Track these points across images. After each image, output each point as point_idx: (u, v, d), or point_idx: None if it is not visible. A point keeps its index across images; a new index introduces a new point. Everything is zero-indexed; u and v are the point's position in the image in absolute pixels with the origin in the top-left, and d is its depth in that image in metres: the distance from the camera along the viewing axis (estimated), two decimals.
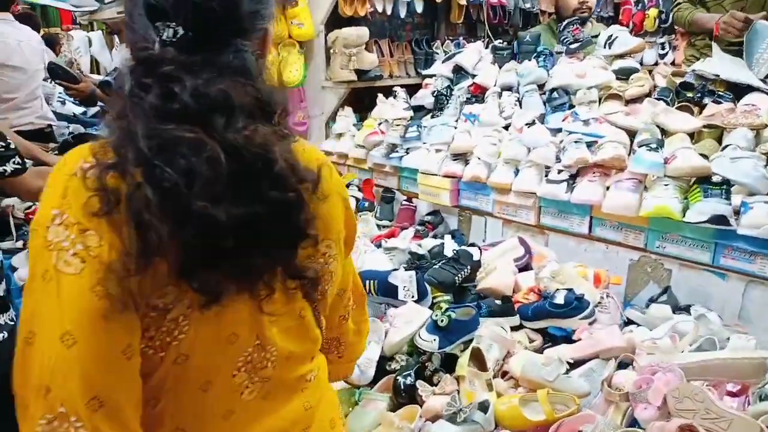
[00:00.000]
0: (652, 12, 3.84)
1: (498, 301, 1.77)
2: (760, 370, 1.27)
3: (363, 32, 3.09)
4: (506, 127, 2.47)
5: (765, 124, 1.96)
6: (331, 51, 3.14)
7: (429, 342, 1.58)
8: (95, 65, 5.42)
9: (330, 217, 0.81)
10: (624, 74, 2.50)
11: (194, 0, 0.68)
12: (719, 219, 1.62)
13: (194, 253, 0.63)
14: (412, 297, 1.77)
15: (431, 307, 1.80)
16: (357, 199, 2.66)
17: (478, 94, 2.78)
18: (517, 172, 2.25)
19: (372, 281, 1.80)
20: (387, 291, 1.79)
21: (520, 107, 2.54)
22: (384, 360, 1.60)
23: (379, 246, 2.20)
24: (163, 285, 0.65)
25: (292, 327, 0.78)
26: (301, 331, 0.80)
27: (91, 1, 2.98)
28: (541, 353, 1.59)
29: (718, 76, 2.29)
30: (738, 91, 2.19)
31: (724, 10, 2.67)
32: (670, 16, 3.93)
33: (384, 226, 2.56)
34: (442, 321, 1.58)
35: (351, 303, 0.99)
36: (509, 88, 2.70)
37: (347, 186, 2.70)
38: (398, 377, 1.49)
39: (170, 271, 0.64)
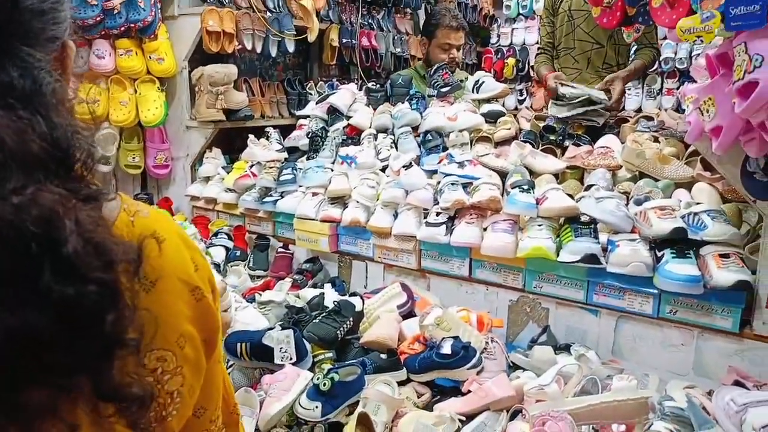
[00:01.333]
0: (510, 61, 4.13)
1: (383, 355, 1.65)
2: (644, 410, 1.28)
3: (231, 70, 2.92)
4: (383, 169, 2.43)
5: (619, 166, 2.11)
6: (196, 89, 2.92)
7: (311, 410, 1.41)
8: None
9: (164, 315, 0.57)
10: (492, 117, 2.60)
11: None
12: (590, 258, 1.67)
13: None
14: (290, 359, 1.59)
15: (312, 369, 1.63)
16: (227, 249, 2.44)
17: (353, 136, 2.73)
18: (396, 215, 2.20)
19: (243, 344, 1.60)
20: (261, 354, 1.60)
21: (396, 149, 2.53)
22: None
23: (252, 300, 2.00)
24: None
25: None
26: None
27: None
28: (431, 409, 1.49)
29: (567, 117, 2.46)
30: (593, 133, 2.36)
31: (572, 60, 2.92)
32: (527, 64, 4.27)
33: (258, 277, 2.35)
34: (324, 384, 1.42)
35: (218, 425, 0.71)
36: (384, 130, 2.68)
37: (215, 234, 2.47)
38: None
39: None
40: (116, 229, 0.55)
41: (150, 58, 2.84)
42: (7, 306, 0.43)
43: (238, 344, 1.61)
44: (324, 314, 1.79)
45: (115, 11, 2.70)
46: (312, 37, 3.31)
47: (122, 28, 2.73)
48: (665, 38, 3.08)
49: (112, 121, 2.78)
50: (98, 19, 2.65)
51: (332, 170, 2.50)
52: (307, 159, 2.67)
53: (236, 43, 2.97)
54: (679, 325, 1.62)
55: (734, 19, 1.20)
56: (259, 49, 3.09)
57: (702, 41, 1.32)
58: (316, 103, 2.98)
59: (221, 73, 2.87)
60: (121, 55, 2.78)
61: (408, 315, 1.94)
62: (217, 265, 2.33)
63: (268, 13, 3.16)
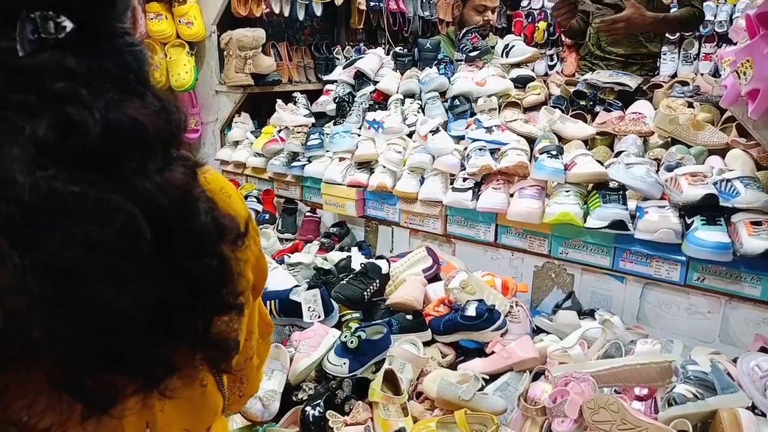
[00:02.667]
0: (542, 25, 4.02)
1: (409, 316, 1.69)
2: (667, 374, 1.29)
3: (259, 34, 2.92)
4: (410, 135, 2.43)
5: (651, 132, 2.07)
6: (225, 53, 2.93)
7: (339, 366, 1.46)
8: None
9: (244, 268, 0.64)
10: (521, 83, 2.56)
11: None
12: (618, 224, 1.66)
13: (84, 357, 0.45)
14: (318, 317, 1.64)
15: (339, 327, 1.68)
16: (257, 212, 2.48)
17: (380, 101, 2.72)
18: (422, 180, 2.21)
19: (273, 301, 1.66)
20: (290, 311, 1.65)
21: (423, 114, 2.52)
22: (290, 390, 1.45)
23: (281, 262, 2.05)
24: (31, 394, 0.46)
25: (188, 401, 0.62)
26: (199, 404, 0.64)
27: None
28: (455, 369, 1.53)
29: (607, 83, 2.41)
30: (625, 99, 2.31)
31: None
32: (558, 28, 4.15)
33: (287, 240, 2.40)
34: (351, 342, 1.47)
35: (257, 342, 0.83)
36: (411, 95, 2.66)
37: (245, 198, 2.52)
38: (306, 408, 1.35)
39: (43, 377, 0.45)
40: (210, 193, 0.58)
41: (179, 22, 2.85)
42: (152, 279, 0.46)
43: (268, 302, 1.66)
44: (351, 276, 1.83)
45: None
46: (339, 0, 3.27)
47: None
48: None
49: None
50: None
51: (359, 135, 2.51)
52: (335, 124, 2.68)
53: (264, 7, 2.96)
54: (707, 293, 1.61)
55: None
56: (287, 13, 3.08)
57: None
58: (343, 68, 2.97)
59: (249, 37, 2.87)
60: (151, 19, 2.80)
61: (433, 279, 1.97)
62: None
63: None
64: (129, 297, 0.45)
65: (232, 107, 2.95)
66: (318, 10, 3.20)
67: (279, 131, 2.72)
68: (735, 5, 3.03)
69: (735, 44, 2.15)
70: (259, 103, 3.08)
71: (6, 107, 0.44)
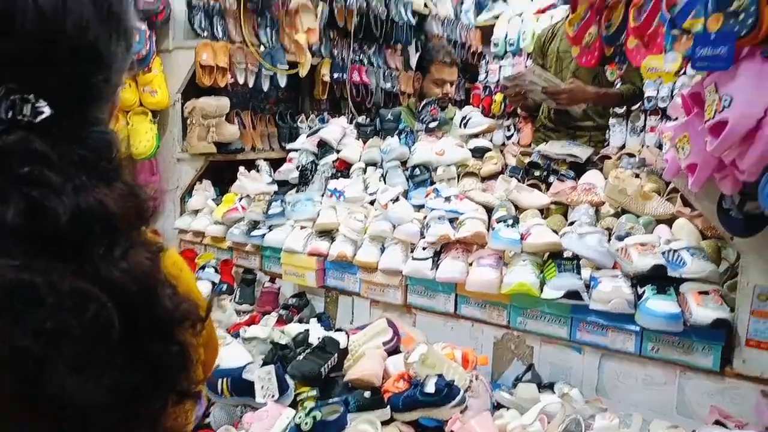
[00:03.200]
0: (498, 97, 4.19)
1: (367, 393, 1.64)
2: None
3: (223, 103, 2.96)
4: (372, 203, 2.45)
5: (602, 202, 2.14)
6: (188, 121, 2.96)
7: None
8: None
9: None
10: (478, 153, 2.64)
11: (65, 58, 0.50)
12: (573, 294, 1.68)
13: None
14: (272, 396, 1.58)
15: (294, 405, 1.62)
16: (213, 283, 2.43)
17: (342, 170, 2.76)
18: (383, 249, 2.21)
19: (225, 380, 1.59)
20: (242, 390, 1.59)
21: (385, 183, 2.55)
22: None
23: (236, 336, 1.99)
24: None
25: None
26: None
27: None
28: None
29: (559, 154, 2.50)
30: (577, 169, 2.40)
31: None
32: None
33: (244, 312, 2.34)
34: (306, 424, 1.41)
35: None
36: (373, 164, 2.71)
37: (202, 268, 2.47)
38: None
39: None
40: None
41: (143, 90, 2.88)
42: (110, 366, 0.45)
43: (219, 380, 1.59)
44: (308, 351, 1.78)
45: None
46: (304, 71, 3.37)
47: None
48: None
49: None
50: None
51: (321, 203, 2.52)
52: (297, 192, 2.70)
53: (229, 77, 3.02)
54: (662, 363, 1.62)
55: (700, 60, 1.24)
56: (251, 83, 3.14)
57: (661, 81, 1.36)
58: (307, 137, 3.02)
59: (213, 105, 2.91)
60: None
61: (394, 351, 1.93)
62: None
63: (261, 48, 3.23)
64: (97, 384, 0.44)
65: (193, 175, 2.94)
66: (282, 82, 3.29)
67: (240, 199, 2.71)
68: (675, 83, 3.25)
69: (674, 119, 2.29)
70: (221, 171, 3.08)
71: None
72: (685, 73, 1.87)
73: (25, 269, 0.42)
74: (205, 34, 2.99)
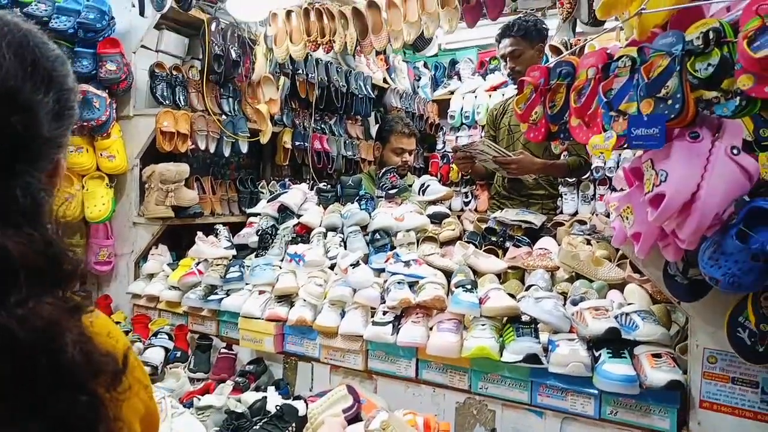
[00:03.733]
0: (456, 165, 4.37)
1: None
2: None
3: (183, 168, 2.96)
4: (332, 267, 2.45)
5: (557, 267, 2.21)
6: (146, 185, 2.93)
7: None
8: None
9: (130, 418, 0.63)
10: (437, 218, 2.71)
11: None
12: (532, 358, 1.70)
13: None
14: None
15: None
16: (167, 349, 2.33)
17: (303, 234, 2.77)
18: (343, 314, 2.19)
19: None
20: None
21: (345, 248, 2.57)
22: None
23: (190, 405, 1.90)
24: None
25: None
26: None
27: None
28: None
29: (514, 221, 2.60)
30: (532, 236, 2.49)
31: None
32: None
33: (198, 380, 2.24)
34: None
35: None
36: (334, 229, 2.74)
37: (155, 334, 2.38)
38: None
39: None
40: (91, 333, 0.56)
41: (101, 155, 2.86)
42: (6, 417, 0.44)
43: None
44: (266, 419, 1.71)
45: None
46: (264, 139, 3.44)
47: (75, 126, 2.76)
48: None
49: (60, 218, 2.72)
50: None
51: (280, 268, 2.50)
52: (256, 257, 2.67)
53: (190, 143, 3.04)
54: (621, 427, 1.63)
55: (636, 138, 1.35)
56: (212, 149, 3.17)
57: (604, 156, 1.46)
58: (268, 201, 3.03)
59: (173, 171, 2.91)
60: (72, 151, 2.78)
61: (354, 419, 1.88)
62: (155, 368, 2.21)
63: (223, 116, 3.28)
64: None
65: (149, 239, 2.88)
66: (244, 148, 3.33)
67: (197, 263, 2.66)
68: (620, 155, 3.48)
69: (619, 190, 2.44)
70: (179, 236, 3.04)
71: None
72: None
73: None
74: (167, 102, 3.03)
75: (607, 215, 2.85)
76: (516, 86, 3.02)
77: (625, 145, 1.45)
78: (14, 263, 0.49)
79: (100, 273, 2.89)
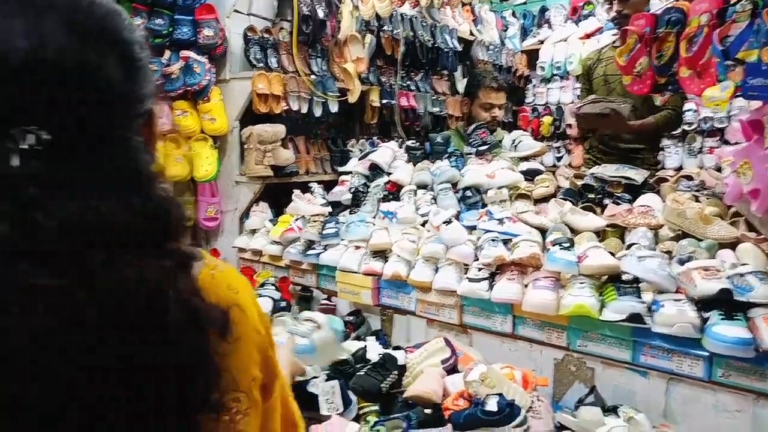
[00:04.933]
0: (547, 119, 4.23)
1: (427, 410, 1.66)
2: None
3: (278, 129, 3.08)
4: (423, 224, 2.50)
5: (660, 225, 2.12)
6: (246, 146, 3.09)
7: None
8: None
9: (243, 361, 0.65)
10: (530, 175, 2.65)
11: (59, 94, 0.54)
12: (635, 317, 1.67)
13: None
14: (337, 410, 1.62)
15: (357, 420, 1.65)
16: (274, 299, 2.50)
17: (393, 192, 2.82)
18: (436, 269, 2.24)
19: None
20: (306, 403, 1.62)
21: (436, 205, 2.59)
22: None
23: None
24: None
25: None
26: None
27: None
28: None
29: (614, 177, 2.50)
30: (632, 192, 2.38)
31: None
32: (562, 123, 4.35)
33: None
34: None
35: None
36: (424, 186, 2.76)
37: (262, 285, 2.55)
38: None
39: None
40: (200, 282, 0.60)
41: (204, 118, 3.03)
42: (114, 368, 0.48)
43: None
44: (369, 367, 1.82)
45: (173, 76, 2.93)
46: (353, 98, 3.48)
47: (179, 91, 2.95)
48: None
49: (167, 176, 2.95)
50: (158, 82, 2.86)
51: (374, 224, 2.57)
52: (350, 213, 2.76)
53: (283, 104, 3.15)
54: (733, 390, 1.58)
55: (753, 89, 1.25)
56: (304, 110, 3.26)
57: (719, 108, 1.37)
58: (359, 160, 3.11)
59: (269, 132, 3.03)
60: (178, 115, 2.98)
61: (451, 370, 1.95)
62: None
63: (313, 76, 3.35)
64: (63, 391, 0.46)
65: (251, 197, 3.05)
66: (334, 107, 3.39)
67: (296, 220, 2.80)
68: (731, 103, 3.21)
69: (733, 144, 2.26)
70: (277, 193, 3.19)
71: None
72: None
73: (25, 274, 0.47)
74: (260, 65, 3.13)
75: (718, 169, 2.67)
76: (617, 32, 2.84)
77: (741, 96, 1.35)
78: (118, 229, 0.52)
79: (208, 228, 3.11)
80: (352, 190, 2.88)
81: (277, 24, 3.36)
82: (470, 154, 2.96)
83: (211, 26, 2.98)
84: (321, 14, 3.28)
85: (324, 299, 2.51)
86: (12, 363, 0.45)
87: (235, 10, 3.14)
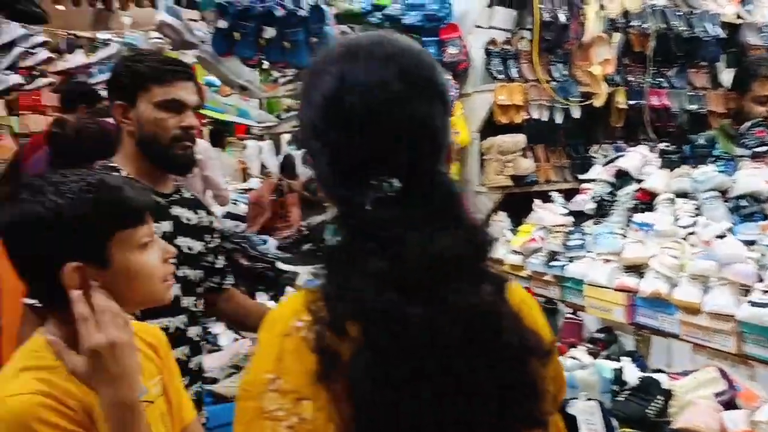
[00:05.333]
0: None
1: None
2: None
3: (519, 139, 3.10)
4: (685, 237, 2.25)
5: None
6: (485, 157, 3.17)
7: None
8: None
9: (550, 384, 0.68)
10: None
11: (410, 146, 0.62)
12: None
13: None
14: None
15: None
16: None
17: (645, 201, 2.60)
18: (706, 289, 2.00)
19: None
20: (568, 426, 1.60)
21: (700, 216, 2.31)
22: None
23: None
24: None
25: None
26: None
27: (270, 117, 3.37)
28: None
29: None
30: None
31: None
32: None
33: None
34: None
35: None
36: (683, 195, 2.48)
37: None
38: None
39: None
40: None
41: None
42: (464, 389, 0.55)
43: None
44: (629, 391, 1.71)
45: None
46: (599, 102, 3.31)
47: None
48: None
49: None
50: None
51: (624, 236, 2.41)
52: (595, 224, 2.63)
53: (524, 114, 3.15)
54: None
55: None
56: (545, 118, 3.22)
57: None
58: (603, 166, 2.94)
59: (510, 142, 3.07)
60: None
61: (727, 405, 1.72)
62: None
63: (554, 83, 3.29)
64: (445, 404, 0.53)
65: (490, 207, 3.13)
66: (576, 113, 3.28)
67: (537, 230, 2.77)
68: None
69: None
70: (514, 203, 3.21)
71: (357, 247, 0.59)
72: None
73: (394, 301, 0.55)
74: (501, 76, 3.19)
75: None
76: None
77: None
78: (461, 262, 0.59)
79: None
80: (597, 199, 2.74)
81: (516, 34, 3.39)
82: (743, 156, 2.57)
83: (455, 44, 3.15)
84: (563, 18, 3.20)
85: (569, 314, 2.44)
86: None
87: (477, 26, 3.26)
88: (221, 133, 5.56)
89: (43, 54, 4.29)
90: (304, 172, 3.25)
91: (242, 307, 1.78)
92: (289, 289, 2.59)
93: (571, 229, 2.64)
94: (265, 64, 3.19)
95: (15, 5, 3.00)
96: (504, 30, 3.42)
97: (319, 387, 0.55)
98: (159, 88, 1.42)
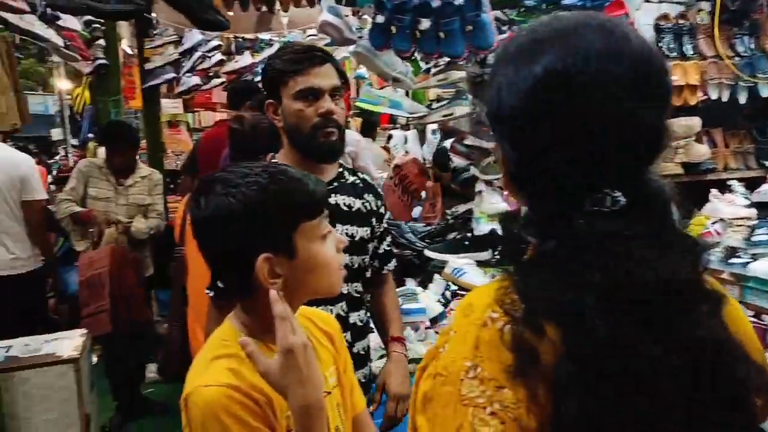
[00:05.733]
0: None
1: None
2: None
3: (693, 122, 2.82)
4: None
5: None
6: None
7: None
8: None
9: None
10: None
11: (636, 152, 0.60)
12: None
13: None
14: None
15: None
16: None
17: None
18: None
19: None
20: None
21: None
22: None
23: None
24: None
25: None
26: None
27: (421, 108, 3.43)
28: None
29: None
30: None
31: None
32: None
33: None
34: None
35: None
36: None
37: None
38: None
39: None
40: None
41: None
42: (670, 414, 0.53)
43: None
44: None
45: None
46: None
47: None
48: None
49: None
50: None
51: None
52: None
53: (700, 95, 2.85)
54: None
55: None
56: (725, 98, 2.88)
57: None
58: None
59: (683, 126, 2.81)
60: None
61: None
62: None
63: (737, 59, 2.92)
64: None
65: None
66: (764, 92, 2.88)
67: (713, 223, 2.51)
68: None
69: None
70: (688, 192, 2.93)
71: (574, 257, 0.56)
72: None
73: (621, 322, 0.52)
74: (673, 54, 2.90)
75: None
76: None
77: None
78: (692, 283, 0.56)
79: None
80: None
81: (693, 6, 3.06)
82: None
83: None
84: None
85: (752, 316, 2.18)
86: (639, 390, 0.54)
87: (646, 0, 3.00)
88: (373, 125, 5.77)
89: (217, 57, 4.83)
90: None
91: (383, 314, 1.68)
92: (436, 276, 2.63)
93: (756, 222, 2.36)
94: (416, 55, 3.23)
95: (203, 16, 3.37)
96: (678, 3, 3.11)
97: (517, 381, 0.54)
98: (293, 79, 1.43)
